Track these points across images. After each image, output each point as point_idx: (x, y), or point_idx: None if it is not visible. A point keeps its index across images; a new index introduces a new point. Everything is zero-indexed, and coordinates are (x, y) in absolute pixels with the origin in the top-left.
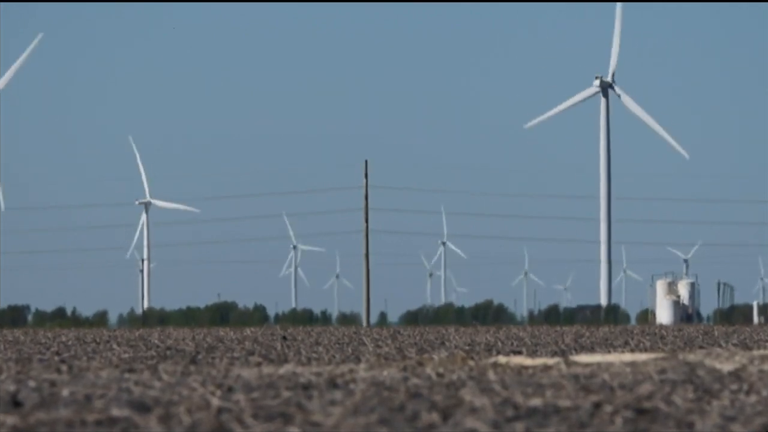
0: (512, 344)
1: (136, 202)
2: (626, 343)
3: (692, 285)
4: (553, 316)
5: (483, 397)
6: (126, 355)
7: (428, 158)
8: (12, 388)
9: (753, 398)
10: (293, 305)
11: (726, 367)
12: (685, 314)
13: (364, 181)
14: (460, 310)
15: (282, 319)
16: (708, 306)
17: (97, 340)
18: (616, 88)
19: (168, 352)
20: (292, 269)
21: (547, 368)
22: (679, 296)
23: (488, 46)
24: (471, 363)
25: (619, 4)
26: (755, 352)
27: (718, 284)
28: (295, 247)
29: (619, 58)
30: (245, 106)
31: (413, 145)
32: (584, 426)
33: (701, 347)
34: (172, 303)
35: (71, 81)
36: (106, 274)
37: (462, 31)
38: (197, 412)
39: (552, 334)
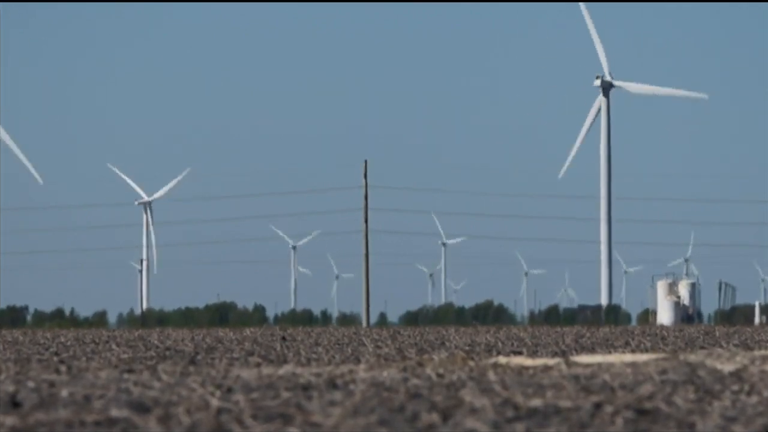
0: (512, 344)
1: (136, 203)
2: (627, 343)
3: (693, 285)
4: (553, 316)
5: (483, 398)
6: (125, 356)
7: (428, 158)
8: (11, 388)
9: (754, 399)
10: (293, 306)
11: (727, 367)
12: (686, 315)
13: (364, 181)
14: (460, 311)
15: (281, 320)
16: (709, 306)
17: (96, 340)
18: (616, 83)
19: (167, 353)
20: (292, 269)
21: (547, 369)
22: (679, 297)
23: (488, 46)
24: (471, 363)
25: (581, 4)
26: (756, 353)
27: (719, 284)
28: (294, 248)
29: (608, 57)
30: (245, 106)
31: (413, 145)
32: (585, 426)
33: (702, 348)
34: (172, 303)
35: (71, 81)
36: (105, 274)
37: (462, 31)
38: (196, 413)
39: (552, 334)
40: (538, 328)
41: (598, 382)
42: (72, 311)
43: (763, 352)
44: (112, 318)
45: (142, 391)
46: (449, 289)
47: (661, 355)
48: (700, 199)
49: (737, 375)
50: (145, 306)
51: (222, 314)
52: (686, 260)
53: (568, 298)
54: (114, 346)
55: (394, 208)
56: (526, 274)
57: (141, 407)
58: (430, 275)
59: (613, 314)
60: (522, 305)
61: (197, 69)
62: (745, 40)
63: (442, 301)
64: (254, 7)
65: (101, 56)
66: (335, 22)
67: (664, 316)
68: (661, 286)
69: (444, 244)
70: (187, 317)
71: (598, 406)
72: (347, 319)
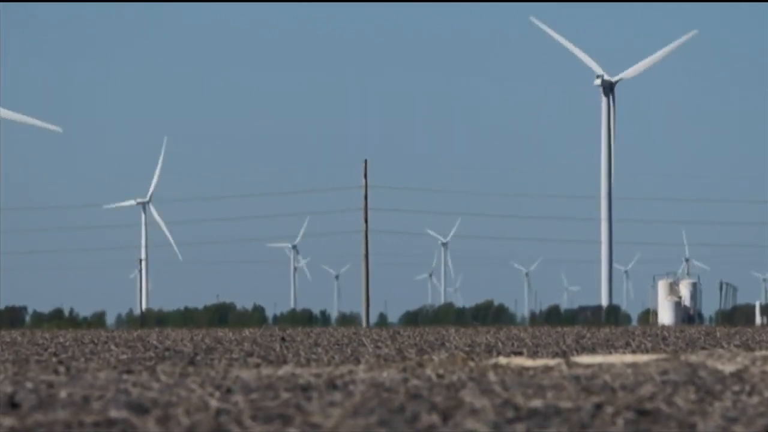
0: (513, 345)
1: (135, 202)
2: (627, 344)
3: (694, 285)
4: (553, 316)
5: (483, 399)
6: (124, 356)
7: (428, 158)
8: (9, 389)
9: (755, 399)
10: (292, 306)
11: (728, 368)
12: (687, 315)
13: (364, 181)
14: (460, 311)
15: (281, 320)
16: (710, 306)
17: (95, 341)
18: (615, 78)
19: (166, 353)
20: (290, 262)
21: (548, 369)
22: (680, 297)
23: (488, 46)
24: (471, 364)
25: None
26: (757, 353)
27: (720, 284)
28: (294, 248)
29: (598, 59)
30: (245, 106)
31: (413, 145)
32: (585, 427)
33: (703, 348)
34: (171, 304)
35: (71, 80)
36: (104, 274)
37: (462, 31)
38: (196, 414)
39: (553, 334)
40: (538, 328)
41: (598, 383)
42: (71, 311)
43: (764, 352)
44: (110, 318)
45: (141, 392)
46: (449, 289)
47: (662, 356)
48: (701, 199)
49: (738, 375)
50: (144, 306)
51: (221, 314)
52: (687, 260)
53: (570, 296)
54: (113, 347)
55: (394, 208)
56: (527, 274)
57: (140, 408)
58: (430, 275)
59: (614, 315)
60: (522, 305)
61: (197, 69)
62: (746, 40)
63: (442, 301)
64: (254, 7)
65: (101, 56)
66: (335, 22)
67: (665, 316)
68: (662, 287)
69: (444, 244)
70: (186, 318)
71: (598, 406)
72: (347, 320)
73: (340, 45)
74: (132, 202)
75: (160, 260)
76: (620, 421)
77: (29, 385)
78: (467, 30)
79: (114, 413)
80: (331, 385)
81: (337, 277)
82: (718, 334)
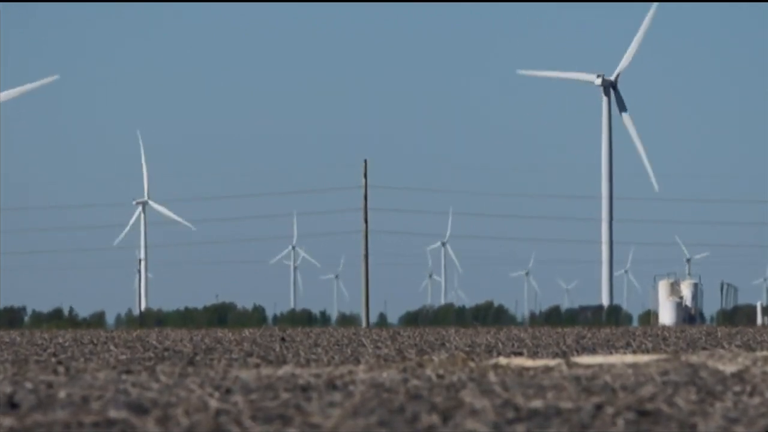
0: (513, 345)
1: (134, 202)
2: (628, 344)
3: (695, 285)
4: (554, 317)
5: (483, 399)
6: (123, 357)
7: (428, 158)
8: (9, 389)
9: (756, 400)
10: (292, 306)
11: (729, 368)
12: (688, 315)
13: (364, 181)
14: (461, 311)
15: (281, 320)
16: (711, 307)
17: (95, 341)
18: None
19: (166, 354)
20: (290, 264)
21: (548, 370)
22: (681, 297)
23: (488, 46)
24: (471, 364)
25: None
26: (758, 354)
27: (722, 285)
28: (293, 248)
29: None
30: (245, 105)
31: (413, 145)
32: (586, 428)
33: (704, 348)
34: (170, 304)
35: (70, 80)
36: (103, 274)
37: (462, 31)
38: (195, 414)
39: (553, 335)
40: (538, 328)
41: (599, 383)
42: (70, 312)
43: (765, 353)
44: (110, 318)
45: (141, 392)
46: (449, 289)
47: (663, 356)
48: (702, 199)
49: (739, 376)
50: (143, 306)
51: (221, 315)
52: (688, 260)
53: (570, 296)
54: (112, 347)
55: (394, 208)
56: (527, 274)
57: (139, 408)
58: (430, 275)
59: (615, 315)
60: (522, 306)
61: (197, 69)
62: (746, 40)
63: (442, 301)
64: (254, 7)
65: (101, 56)
66: (335, 22)
67: (666, 316)
68: (663, 287)
69: (444, 244)
70: (185, 318)
71: (599, 407)
72: (347, 320)
73: (340, 45)
74: (132, 215)
75: (160, 260)
76: (621, 422)
77: (28, 385)
78: (467, 30)
79: (113, 413)
80: (331, 386)
81: (336, 277)
82: (719, 335)
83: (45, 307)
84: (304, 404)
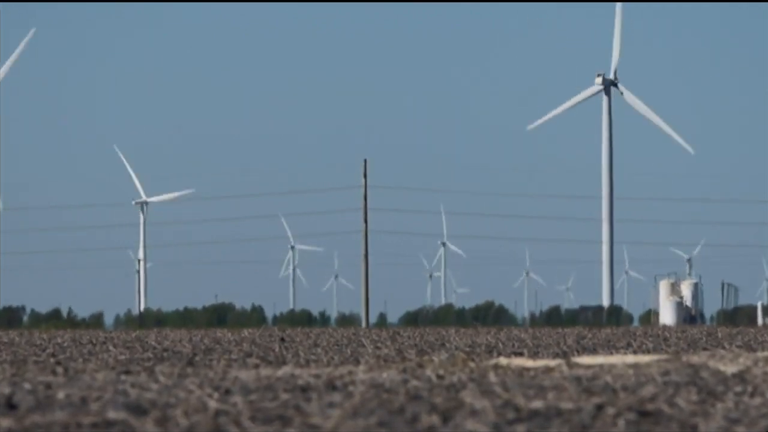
0: (513, 346)
1: (133, 203)
2: (629, 344)
3: (696, 285)
4: (554, 317)
5: (484, 400)
6: (122, 357)
7: (428, 158)
8: (7, 390)
9: (757, 400)
10: (291, 306)
11: (730, 368)
12: (689, 315)
13: (363, 180)
14: (461, 311)
15: (280, 321)
16: (712, 307)
17: (94, 341)
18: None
19: (165, 354)
20: (291, 270)
21: (548, 370)
22: (682, 297)
23: (488, 45)
24: (471, 365)
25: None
26: (759, 354)
27: (722, 285)
28: (293, 248)
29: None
30: (245, 105)
31: (413, 145)
32: (586, 428)
33: (705, 349)
34: (169, 304)
35: (70, 80)
36: (102, 274)
37: (462, 31)
38: (194, 415)
39: (554, 335)
40: (539, 329)
41: (599, 384)
42: (69, 312)
43: (766, 353)
44: (109, 319)
45: (140, 393)
46: (449, 289)
47: (664, 357)
48: (702, 198)
49: (740, 376)
50: (142, 307)
51: (220, 315)
52: (689, 260)
53: (570, 297)
54: (111, 348)
55: (394, 208)
56: (527, 274)
57: (138, 409)
58: (430, 276)
59: (615, 315)
60: (523, 306)
61: (197, 69)
62: (746, 39)
63: (442, 301)
64: (254, 7)
65: (101, 56)
66: (335, 22)
67: (667, 316)
68: (664, 287)
69: (444, 244)
70: (185, 318)
71: (599, 407)
72: (346, 320)
73: (340, 45)
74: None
75: (159, 260)
76: (621, 422)
77: (27, 386)
78: (467, 30)
79: (112, 414)
80: (331, 386)
81: (336, 277)
82: (719, 335)
83: (44, 308)
84: (303, 405)
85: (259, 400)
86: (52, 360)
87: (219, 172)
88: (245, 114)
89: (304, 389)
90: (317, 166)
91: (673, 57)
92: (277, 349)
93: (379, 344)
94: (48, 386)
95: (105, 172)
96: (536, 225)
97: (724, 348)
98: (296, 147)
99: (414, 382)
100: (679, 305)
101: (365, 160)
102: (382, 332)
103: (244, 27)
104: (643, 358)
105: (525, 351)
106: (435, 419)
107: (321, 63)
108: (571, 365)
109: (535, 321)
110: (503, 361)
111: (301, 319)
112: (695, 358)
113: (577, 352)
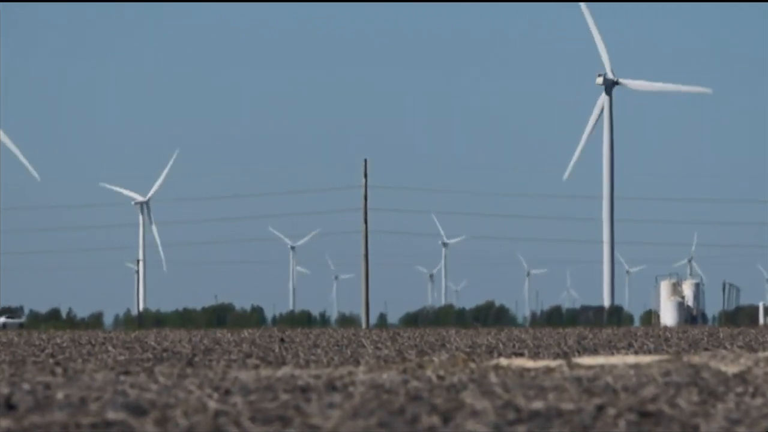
0: (514, 346)
1: (133, 203)
2: (630, 344)
3: (697, 285)
4: (555, 317)
5: (484, 400)
6: (122, 358)
7: (428, 158)
8: (6, 390)
9: (758, 401)
10: (291, 307)
11: (731, 369)
12: (690, 315)
13: (363, 180)
14: (461, 312)
15: (280, 321)
16: (713, 307)
17: (93, 341)
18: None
19: (164, 355)
20: (291, 271)
21: (549, 370)
22: (683, 297)
23: (489, 45)
24: (472, 365)
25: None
26: (761, 354)
27: (724, 285)
28: (293, 248)
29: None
30: (244, 105)
31: (413, 145)
32: (587, 429)
33: (706, 349)
34: (169, 304)
35: (70, 80)
36: (101, 275)
37: (462, 31)
38: (194, 415)
39: (554, 335)
40: (539, 329)
41: (600, 384)
42: (68, 312)
43: (767, 353)
44: (108, 319)
45: (139, 394)
46: (450, 290)
47: (665, 357)
48: (703, 198)
49: (741, 377)
50: (141, 307)
51: (220, 315)
52: (690, 260)
53: (571, 297)
54: (110, 348)
55: (394, 208)
56: (528, 274)
57: (138, 409)
58: (430, 276)
59: (616, 315)
60: (523, 306)
61: (196, 69)
62: (746, 40)
63: (443, 302)
64: (254, 7)
65: (100, 56)
66: (335, 22)
67: (668, 317)
68: (665, 287)
69: (444, 244)
70: (184, 318)
71: (600, 408)
72: (346, 321)
73: (340, 45)
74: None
75: (158, 260)
76: (622, 423)
77: (26, 386)
78: (467, 30)
79: (111, 415)
80: (331, 387)
81: (336, 277)
82: (721, 335)
83: (43, 308)
84: (303, 405)
85: (259, 400)
86: (51, 360)
87: (219, 172)
88: (245, 114)
89: (304, 390)
90: (317, 166)
91: (671, 57)
92: (276, 350)
93: (379, 345)
94: (47, 386)
95: (106, 172)
96: (537, 225)
97: (725, 348)
98: (296, 147)
99: (414, 383)
100: (681, 305)
101: (365, 160)
102: (382, 333)
103: (244, 27)
104: (644, 359)
105: (525, 351)
106: (435, 420)
107: (321, 63)
108: (571, 366)
109: (535, 321)
110: (504, 361)
111: (301, 319)
112: (696, 359)
113: (578, 352)
